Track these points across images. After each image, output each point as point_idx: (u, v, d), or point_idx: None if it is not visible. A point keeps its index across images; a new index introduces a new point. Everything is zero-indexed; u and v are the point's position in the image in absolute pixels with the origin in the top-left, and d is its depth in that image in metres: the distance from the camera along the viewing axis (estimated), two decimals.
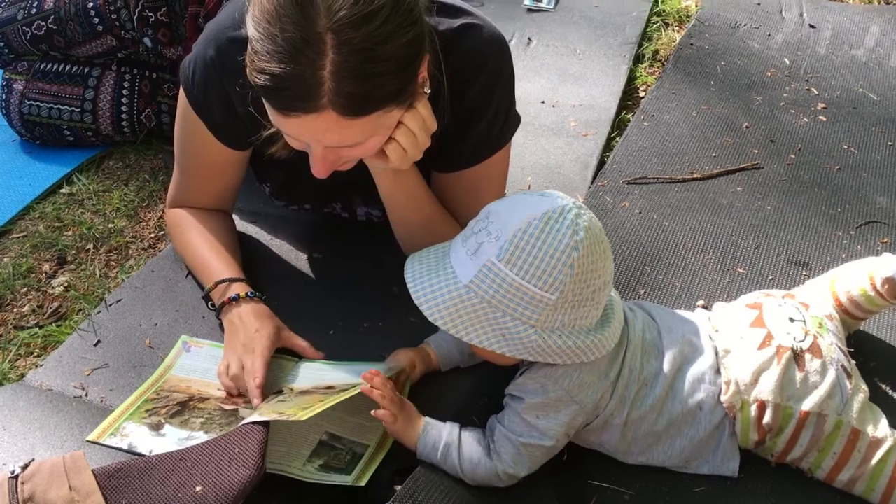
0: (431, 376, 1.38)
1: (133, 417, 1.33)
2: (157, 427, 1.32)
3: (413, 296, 1.19)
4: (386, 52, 1.09)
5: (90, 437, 1.30)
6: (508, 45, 1.41)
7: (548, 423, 1.20)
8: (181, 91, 1.43)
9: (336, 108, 1.10)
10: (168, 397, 1.38)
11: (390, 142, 1.24)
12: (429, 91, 1.24)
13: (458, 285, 1.16)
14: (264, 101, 1.17)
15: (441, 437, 1.23)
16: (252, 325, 1.39)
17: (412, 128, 1.23)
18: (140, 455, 1.26)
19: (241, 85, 1.17)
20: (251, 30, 1.11)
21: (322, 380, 1.38)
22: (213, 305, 1.48)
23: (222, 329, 1.46)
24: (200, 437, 1.29)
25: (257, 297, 1.45)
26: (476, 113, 1.38)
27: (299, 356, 1.45)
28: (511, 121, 1.45)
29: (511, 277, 1.12)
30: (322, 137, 1.17)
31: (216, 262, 1.49)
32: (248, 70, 1.13)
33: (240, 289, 1.45)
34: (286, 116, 1.14)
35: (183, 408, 1.36)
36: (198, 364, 1.45)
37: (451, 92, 1.33)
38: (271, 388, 1.36)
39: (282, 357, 1.43)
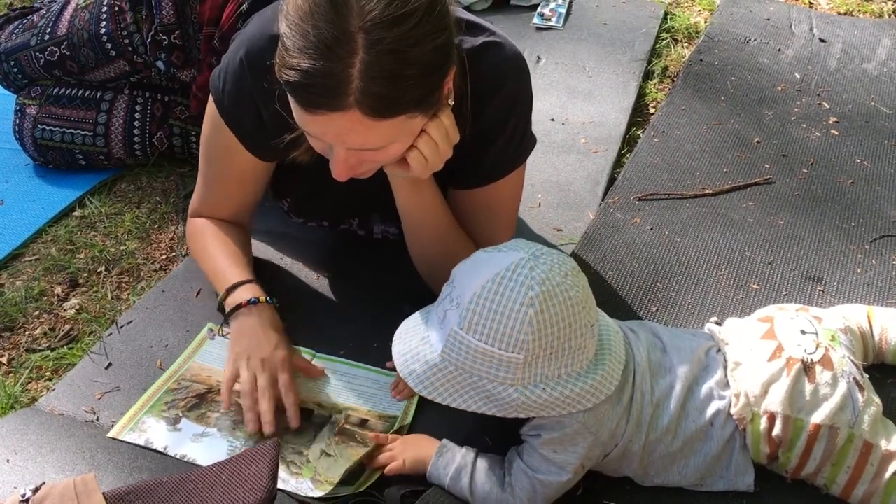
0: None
1: (153, 410, 1.37)
2: (174, 421, 1.35)
3: (397, 367, 1.21)
4: (415, 56, 1.09)
5: (111, 434, 1.34)
6: (527, 64, 1.41)
7: (566, 458, 1.19)
8: (210, 102, 1.44)
9: (362, 107, 1.10)
10: (188, 388, 1.41)
11: (412, 149, 1.24)
12: (453, 102, 1.24)
13: (433, 355, 1.17)
14: (290, 100, 1.17)
15: (455, 459, 1.23)
16: (268, 337, 1.39)
17: (435, 137, 1.23)
18: (155, 451, 1.30)
19: (269, 82, 1.18)
20: (283, 27, 1.12)
21: (340, 395, 1.41)
22: (223, 309, 1.48)
23: None
24: (214, 433, 1.33)
25: (272, 304, 1.45)
26: (493, 131, 1.38)
27: (313, 352, 1.48)
28: (527, 140, 1.45)
29: (475, 343, 1.12)
30: (346, 138, 1.17)
31: (231, 267, 1.50)
32: (277, 67, 1.14)
33: (253, 291, 1.45)
34: (312, 114, 1.14)
35: (201, 400, 1.39)
36: (221, 352, 1.48)
37: (471, 109, 1.33)
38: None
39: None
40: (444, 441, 1.27)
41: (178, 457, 1.30)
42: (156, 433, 1.33)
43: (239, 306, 1.42)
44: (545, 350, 1.12)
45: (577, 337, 1.14)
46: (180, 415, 1.36)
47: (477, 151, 1.39)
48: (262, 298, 1.44)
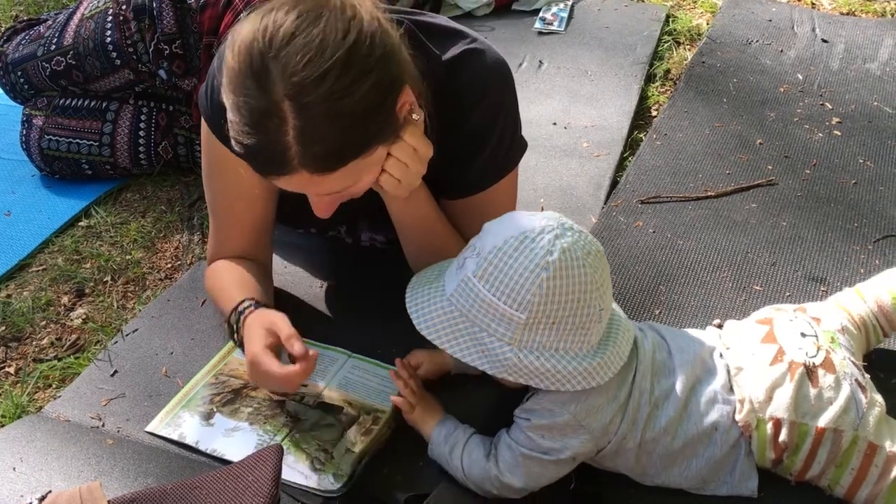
0: (455, 397, 1.38)
1: (190, 405, 1.40)
2: (208, 416, 1.38)
3: (407, 303, 1.23)
4: (346, 107, 1.08)
5: (149, 428, 1.37)
6: (510, 69, 1.40)
7: (552, 444, 1.20)
8: (202, 125, 1.42)
9: (307, 168, 1.12)
10: (225, 383, 1.44)
11: (382, 173, 1.25)
12: (418, 117, 1.22)
13: (442, 297, 1.19)
14: None
15: (455, 430, 1.28)
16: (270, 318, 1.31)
17: (402, 158, 1.23)
18: (187, 446, 1.34)
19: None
20: (223, 96, 1.13)
21: (371, 396, 1.42)
22: (236, 335, 1.39)
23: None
24: (245, 428, 1.36)
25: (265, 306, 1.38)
26: (480, 139, 1.38)
27: (348, 353, 1.49)
28: (516, 146, 1.45)
29: (483, 293, 1.14)
30: (307, 189, 1.20)
31: (237, 292, 1.42)
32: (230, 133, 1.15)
33: (249, 301, 1.37)
34: (266, 177, 1.17)
35: (236, 395, 1.42)
36: None
37: (455, 119, 1.33)
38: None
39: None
40: (448, 415, 1.32)
41: (208, 451, 1.32)
42: (189, 428, 1.36)
43: (239, 321, 1.36)
44: (548, 317, 1.13)
45: (582, 315, 1.14)
46: (214, 410, 1.39)
47: (464, 161, 1.39)
48: (251, 307, 1.36)
